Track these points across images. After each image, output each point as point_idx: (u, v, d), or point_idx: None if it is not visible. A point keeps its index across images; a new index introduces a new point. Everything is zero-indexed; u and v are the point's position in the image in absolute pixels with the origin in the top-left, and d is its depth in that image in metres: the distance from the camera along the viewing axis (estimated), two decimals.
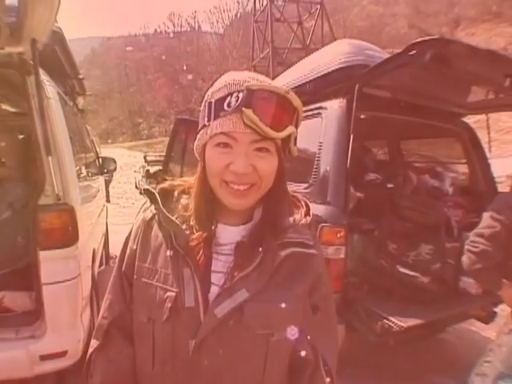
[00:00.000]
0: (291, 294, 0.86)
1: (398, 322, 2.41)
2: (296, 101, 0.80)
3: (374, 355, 3.38)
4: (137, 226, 0.98)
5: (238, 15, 58.27)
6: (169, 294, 0.85)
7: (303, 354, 0.90)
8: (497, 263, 2.05)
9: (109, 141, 45.75)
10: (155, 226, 0.93)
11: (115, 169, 4.89)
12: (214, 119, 0.80)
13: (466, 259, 2.12)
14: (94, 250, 3.29)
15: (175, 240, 0.86)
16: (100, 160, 5.02)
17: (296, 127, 0.83)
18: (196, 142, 0.87)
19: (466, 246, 2.12)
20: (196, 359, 0.83)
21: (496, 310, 3.07)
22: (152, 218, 0.95)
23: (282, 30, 35.07)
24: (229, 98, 0.79)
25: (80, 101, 4.74)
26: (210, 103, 0.82)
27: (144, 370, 0.93)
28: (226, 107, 0.79)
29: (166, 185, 0.97)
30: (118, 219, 9.22)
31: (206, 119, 0.82)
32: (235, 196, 0.82)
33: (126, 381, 0.95)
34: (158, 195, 0.92)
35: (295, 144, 0.84)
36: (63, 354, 2.31)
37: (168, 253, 0.87)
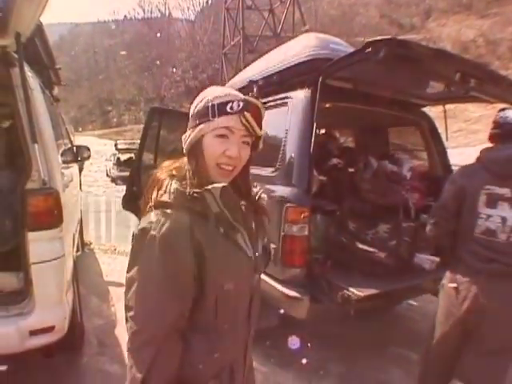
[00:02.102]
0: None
1: (356, 292, 2.60)
2: (263, 110, 1.10)
3: (340, 329, 3.63)
4: (181, 225, 1.03)
5: (209, 2, 57.56)
6: (243, 256, 1.14)
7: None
8: (449, 231, 2.34)
9: (79, 129, 44.60)
10: (196, 217, 1.05)
11: (89, 157, 4.95)
12: (219, 116, 1.07)
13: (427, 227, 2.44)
14: (73, 236, 3.41)
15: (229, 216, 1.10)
16: (74, 148, 5.05)
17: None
18: (195, 133, 1.10)
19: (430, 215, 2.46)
20: (254, 289, 1.21)
21: None
22: (192, 212, 1.05)
23: (253, 17, 34.91)
24: (231, 104, 1.07)
25: (55, 90, 4.81)
26: (213, 105, 1.08)
27: (223, 324, 1.12)
28: (228, 109, 1.06)
29: (175, 173, 1.13)
30: (90, 207, 9.21)
31: (211, 115, 1.07)
32: (224, 175, 1.10)
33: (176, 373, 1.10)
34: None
35: (261, 141, 1.17)
36: (51, 329, 2.42)
37: (221, 230, 1.09)
